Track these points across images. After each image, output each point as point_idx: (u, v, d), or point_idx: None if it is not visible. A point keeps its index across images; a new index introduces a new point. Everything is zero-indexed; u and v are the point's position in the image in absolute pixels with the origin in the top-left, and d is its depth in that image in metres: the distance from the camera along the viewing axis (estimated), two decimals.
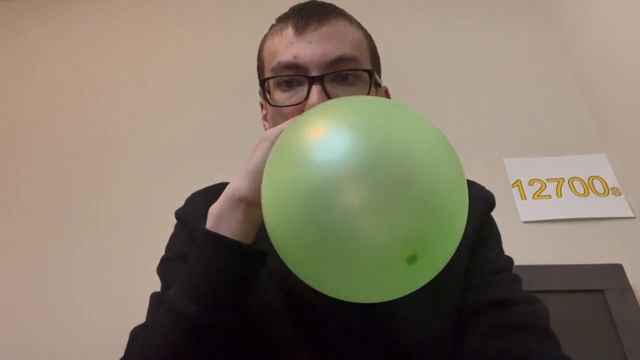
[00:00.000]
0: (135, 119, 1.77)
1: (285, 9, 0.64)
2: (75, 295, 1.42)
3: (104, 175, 1.65)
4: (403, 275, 0.47)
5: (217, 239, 0.51)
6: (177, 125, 1.74)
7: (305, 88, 0.58)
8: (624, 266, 1.28)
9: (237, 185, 0.54)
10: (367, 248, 0.44)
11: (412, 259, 0.44)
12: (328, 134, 0.46)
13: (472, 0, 1.91)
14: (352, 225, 0.43)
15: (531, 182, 1.49)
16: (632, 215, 1.39)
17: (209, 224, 0.53)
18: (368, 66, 0.62)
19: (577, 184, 1.47)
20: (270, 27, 0.66)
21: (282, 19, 0.64)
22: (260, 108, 0.68)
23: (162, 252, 0.67)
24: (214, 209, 0.54)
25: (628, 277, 1.26)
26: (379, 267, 0.45)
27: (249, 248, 0.53)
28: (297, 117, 0.54)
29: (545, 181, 1.49)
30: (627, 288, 1.25)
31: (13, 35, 2.04)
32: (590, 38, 1.62)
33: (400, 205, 0.43)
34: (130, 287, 1.23)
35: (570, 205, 1.43)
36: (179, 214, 0.69)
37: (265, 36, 0.67)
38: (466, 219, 0.49)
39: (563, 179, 1.49)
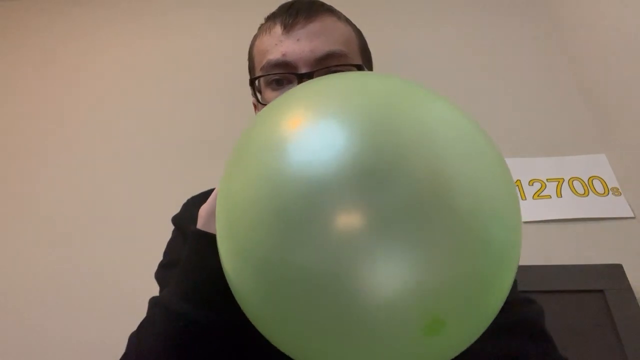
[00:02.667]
0: (135, 119, 1.77)
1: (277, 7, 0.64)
2: (75, 299, 1.42)
3: (104, 176, 1.65)
4: (417, 351, 0.31)
5: (206, 238, 0.51)
6: (177, 126, 1.74)
7: (295, 86, 0.57)
8: (624, 266, 1.28)
9: None
10: (364, 306, 0.29)
11: (434, 328, 0.29)
12: (308, 125, 0.32)
13: (471, 0, 1.91)
14: (342, 269, 0.28)
15: (531, 182, 1.49)
16: (632, 215, 1.39)
17: (199, 224, 0.52)
18: (358, 61, 0.62)
19: (577, 184, 1.47)
20: (260, 26, 0.66)
21: (271, 18, 0.64)
22: (254, 108, 0.68)
23: (161, 257, 0.67)
24: (203, 210, 0.53)
25: (628, 277, 1.26)
26: (381, 337, 0.29)
27: None
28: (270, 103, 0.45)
29: (545, 181, 1.49)
30: (627, 288, 1.25)
31: (13, 35, 2.04)
32: (591, 38, 1.62)
33: (420, 237, 0.28)
34: (130, 293, 1.24)
35: (570, 206, 1.43)
36: (175, 220, 0.69)
37: (255, 35, 0.67)
38: (519, 258, 0.35)
39: (563, 179, 1.49)
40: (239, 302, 0.37)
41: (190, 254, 0.51)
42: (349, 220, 0.29)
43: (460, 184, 0.30)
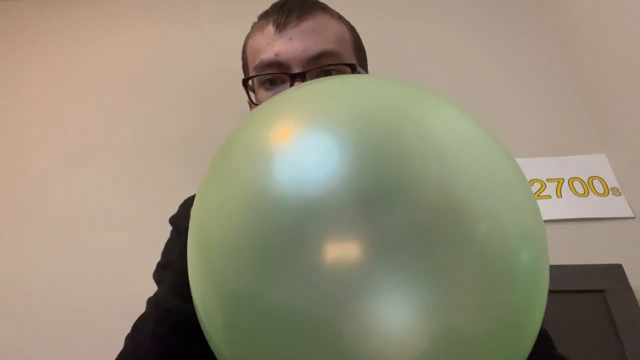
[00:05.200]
0: (135, 119, 1.77)
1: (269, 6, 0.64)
2: (75, 299, 1.41)
3: (104, 176, 1.65)
4: None
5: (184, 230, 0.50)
6: (176, 126, 1.74)
7: (288, 85, 0.57)
8: (624, 266, 1.28)
9: None
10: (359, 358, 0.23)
11: None
12: (298, 137, 0.28)
13: (471, 1, 1.91)
14: (334, 311, 0.23)
15: (531, 182, 1.49)
16: (632, 215, 1.39)
17: None
18: (352, 60, 0.61)
19: (577, 184, 1.47)
20: (252, 25, 0.66)
21: (263, 16, 0.63)
22: (249, 108, 0.68)
23: (160, 258, 0.67)
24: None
25: (628, 277, 1.26)
26: None
27: None
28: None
29: (545, 181, 1.49)
30: (627, 288, 1.25)
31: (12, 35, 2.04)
32: (591, 38, 1.62)
33: (433, 272, 0.24)
34: (129, 293, 1.23)
35: (570, 206, 1.43)
36: (172, 220, 0.69)
37: (248, 34, 0.66)
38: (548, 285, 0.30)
39: (563, 179, 1.49)
40: (206, 337, 0.31)
41: (182, 250, 0.51)
42: (343, 251, 0.24)
43: (477, 203, 0.25)
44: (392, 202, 0.24)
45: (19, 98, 1.88)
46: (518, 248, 0.26)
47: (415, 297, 0.23)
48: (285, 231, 0.25)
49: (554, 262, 1.39)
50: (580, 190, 1.46)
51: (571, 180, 1.48)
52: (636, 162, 1.41)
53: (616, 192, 1.44)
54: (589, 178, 1.48)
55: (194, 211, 0.34)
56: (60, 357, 1.33)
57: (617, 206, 1.41)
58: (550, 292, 1.05)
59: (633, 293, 1.24)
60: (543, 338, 0.55)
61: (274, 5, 0.63)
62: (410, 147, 0.26)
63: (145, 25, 2.02)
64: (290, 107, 0.31)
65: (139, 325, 0.53)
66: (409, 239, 0.24)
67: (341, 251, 0.24)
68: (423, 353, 0.23)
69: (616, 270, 1.28)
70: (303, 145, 0.27)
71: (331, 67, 0.57)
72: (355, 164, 0.25)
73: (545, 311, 0.57)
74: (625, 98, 1.43)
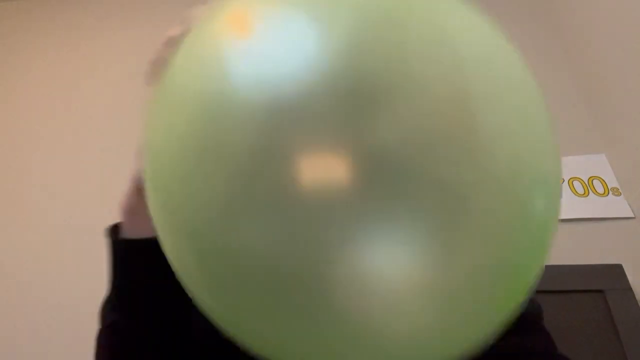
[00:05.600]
0: (136, 120, 1.77)
1: None
2: (73, 300, 1.41)
3: (104, 176, 1.65)
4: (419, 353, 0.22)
5: (123, 247, 0.46)
6: None
7: None
8: (624, 266, 1.28)
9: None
10: (348, 309, 0.20)
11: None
12: (261, 22, 0.21)
13: (470, 1, 1.91)
14: (314, 250, 0.19)
15: None
16: (632, 215, 1.39)
17: (123, 222, 0.46)
18: None
19: (577, 184, 1.47)
20: None
21: None
22: None
23: None
24: (122, 202, 0.46)
25: (628, 277, 1.26)
26: (373, 344, 0.21)
27: (134, 242, 0.44)
28: None
29: None
30: (627, 288, 1.25)
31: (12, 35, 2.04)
32: (591, 38, 1.61)
33: (439, 199, 0.19)
34: None
35: (570, 206, 1.43)
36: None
37: None
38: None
39: (563, 179, 1.49)
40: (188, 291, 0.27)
41: (109, 260, 0.47)
42: (324, 169, 0.18)
43: (495, 122, 0.20)
44: (390, 103, 0.19)
45: (18, 98, 1.88)
46: (535, 193, 0.22)
47: (415, 227, 0.19)
48: (247, 146, 0.19)
49: (554, 262, 1.39)
50: (580, 190, 1.46)
51: (571, 181, 1.48)
52: (636, 162, 1.41)
53: (616, 192, 1.44)
54: (589, 178, 1.48)
55: (146, 134, 0.27)
56: (60, 356, 1.33)
57: (617, 206, 1.41)
58: (551, 292, 1.05)
59: (633, 293, 1.24)
60: (543, 336, 0.55)
61: None
62: (416, 37, 0.20)
63: (146, 25, 2.02)
64: None
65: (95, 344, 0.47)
66: (412, 149, 0.18)
67: (321, 169, 0.18)
68: (415, 288, 0.20)
69: (616, 270, 1.28)
70: (267, 32, 0.20)
71: None
72: (340, 51, 0.19)
73: (546, 311, 0.57)
74: (626, 98, 1.43)
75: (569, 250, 1.34)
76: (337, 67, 0.19)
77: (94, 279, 1.44)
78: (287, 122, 0.19)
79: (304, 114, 0.19)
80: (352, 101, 0.19)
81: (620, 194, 1.44)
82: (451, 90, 0.20)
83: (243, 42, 0.21)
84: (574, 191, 1.46)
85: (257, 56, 0.20)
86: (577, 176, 1.49)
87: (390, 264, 0.19)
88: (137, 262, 0.44)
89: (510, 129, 0.21)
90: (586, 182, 1.47)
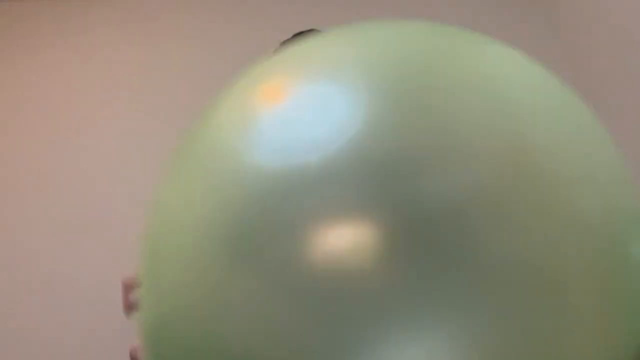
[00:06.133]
0: (134, 119, 1.77)
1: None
2: (72, 299, 1.41)
3: (103, 176, 1.65)
4: None
5: None
6: (177, 128, 1.74)
7: None
8: None
9: None
10: None
11: None
12: (286, 95, 0.19)
13: (470, 1, 1.91)
14: (327, 347, 0.15)
15: None
16: None
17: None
18: None
19: None
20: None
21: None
22: None
23: None
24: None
25: None
26: None
27: None
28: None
29: None
30: None
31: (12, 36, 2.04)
32: (591, 38, 1.61)
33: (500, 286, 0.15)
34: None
35: None
36: None
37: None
38: None
39: None
40: None
41: None
42: (344, 247, 0.15)
43: (566, 168, 0.16)
44: (433, 169, 0.15)
45: (18, 98, 1.88)
46: (632, 235, 0.17)
47: (469, 329, 0.14)
48: (256, 224, 0.16)
49: None
50: None
51: None
52: (636, 162, 1.41)
53: None
54: None
55: (152, 207, 0.25)
56: (59, 356, 1.33)
57: None
58: None
59: None
60: None
61: (295, 36, 0.61)
62: (459, 95, 0.17)
63: (146, 26, 2.02)
64: (278, 64, 0.22)
65: None
66: (453, 226, 0.14)
67: (340, 247, 0.15)
68: None
69: None
70: (292, 103, 0.18)
71: None
72: (379, 121, 0.16)
73: None
74: (625, 98, 1.43)
75: None
76: (370, 137, 0.16)
77: (94, 278, 1.44)
78: (298, 199, 0.16)
79: (317, 189, 0.16)
80: (383, 176, 0.15)
81: None
82: (507, 144, 0.16)
83: (263, 115, 0.19)
84: None
85: (285, 123, 0.18)
86: None
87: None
88: None
89: (583, 173, 0.17)
90: None
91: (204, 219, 0.17)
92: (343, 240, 0.15)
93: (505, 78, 0.19)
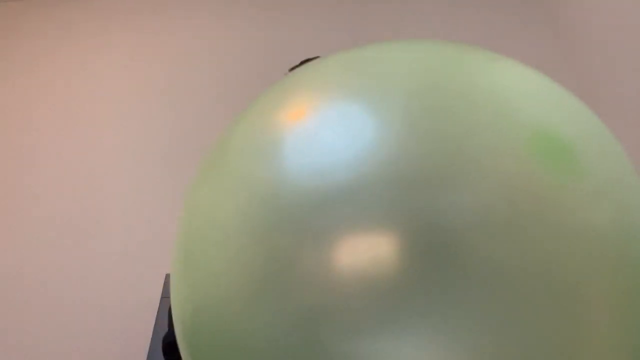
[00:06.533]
0: (134, 119, 1.77)
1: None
2: (70, 299, 1.41)
3: (103, 176, 1.65)
4: None
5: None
6: (176, 128, 1.74)
7: None
8: None
9: None
10: None
11: None
12: (315, 113, 0.20)
13: (470, 1, 1.91)
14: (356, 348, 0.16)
15: None
16: None
17: None
18: None
19: None
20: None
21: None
22: None
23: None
24: None
25: None
26: None
27: None
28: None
29: None
30: None
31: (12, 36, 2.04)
32: (591, 38, 1.61)
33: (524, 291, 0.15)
34: (124, 292, 1.23)
35: None
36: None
37: None
38: None
39: None
40: None
41: None
42: (370, 253, 0.16)
43: (588, 183, 0.17)
44: (453, 186, 0.16)
45: (18, 98, 1.88)
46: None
47: (488, 332, 0.14)
48: (292, 235, 0.17)
49: None
50: None
51: None
52: (636, 162, 1.41)
53: None
54: None
55: (185, 209, 0.26)
56: (58, 355, 1.33)
57: None
58: None
59: None
60: None
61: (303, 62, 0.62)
62: (476, 116, 0.17)
63: (146, 25, 2.02)
64: (301, 82, 0.22)
65: None
66: (465, 241, 0.15)
67: (367, 254, 0.16)
68: None
69: None
70: (321, 122, 0.19)
71: None
72: (399, 142, 0.17)
73: None
74: (625, 98, 1.43)
75: None
76: (394, 158, 0.17)
77: (95, 277, 1.44)
78: (329, 212, 0.17)
79: (349, 203, 0.16)
80: (407, 192, 0.16)
81: None
82: (518, 164, 0.16)
83: (293, 132, 0.19)
84: None
85: (306, 146, 0.18)
86: None
87: None
88: None
89: (596, 188, 0.17)
90: None
91: (246, 230, 0.19)
92: (366, 249, 0.16)
93: (517, 98, 0.19)
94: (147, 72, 1.88)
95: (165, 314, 1.09)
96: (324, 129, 0.19)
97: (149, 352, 1.08)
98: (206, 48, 1.91)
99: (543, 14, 1.85)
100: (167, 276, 1.18)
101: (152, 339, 1.09)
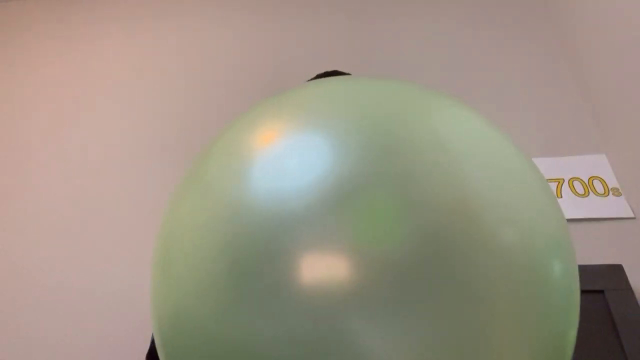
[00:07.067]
0: (133, 119, 1.77)
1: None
2: (69, 298, 1.42)
3: (102, 176, 1.65)
4: None
5: None
6: (174, 127, 1.74)
7: None
8: (624, 266, 1.28)
9: None
10: None
11: None
12: (282, 140, 0.23)
13: (471, 1, 1.91)
14: (315, 346, 0.19)
15: None
16: (633, 215, 1.38)
17: None
18: None
19: (577, 184, 1.47)
20: None
21: None
22: None
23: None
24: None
25: (628, 277, 1.26)
26: None
27: None
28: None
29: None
30: (627, 288, 1.24)
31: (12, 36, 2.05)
32: (591, 37, 1.61)
33: (447, 300, 0.20)
34: (124, 291, 1.23)
35: (570, 206, 1.43)
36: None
37: None
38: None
39: (563, 179, 1.49)
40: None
41: None
42: (328, 273, 0.19)
43: (498, 209, 0.21)
44: (390, 214, 0.19)
45: (18, 98, 1.89)
46: (550, 259, 0.21)
47: (424, 331, 0.18)
48: (258, 248, 0.20)
49: None
50: (580, 190, 1.46)
51: (571, 181, 1.48)
52: (636, 162, 1.41)
53: (616, 192, 1.44)
54: (589, 178, 1.48)
55: (163, 220, 0.28)
56: (58, 356, 1.33)
57: (617, 206, 1.41)
58: None
59: (633, 293, 1.24)
60: None
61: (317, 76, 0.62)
62: (413, 149, 0.21)
63: (146, 25, 2.02)
64: (278, 108, 0.26)
65: None
66: (416, 256, 0.18)
67: (324, 273, 0.19)
68: None
69: (616, 271, 1.28)
70: (286, 149, 0.22)
71: None
72: (348, 165, 0.21)
73: None
74: (625, 98, 1.43)
75: None
76: (343, 181, 0.20)
77: (94, 276, 1.44)
78: (288, 228, 0.20)
79: (304, 222, 0.20)
80: (352, 209, 0.20)
81: (620, 194, 1.43)
82: (455, 195, 0.21)
83: (263, 156, 0.22)
84: (574, 191, 1.46)
85: (272, 170, 0.22)
86: (577, 176, 1.49)
87: None
88: None
89: (515, 211, 0.22)
90: (586, 182, 1.47)
91: (212, 243, 0.22)
92: (323, 267, 0.19)
93: (454, 140, 0.23)
94: (147, 72, 1.88)
95: None
96: (289, 155, 0.22)
97: (149, 352, 1.08)
98: (206, 48, 1.91)
99: (545, 16, 1.85)
100: None
101: (152, 339, 1.09)
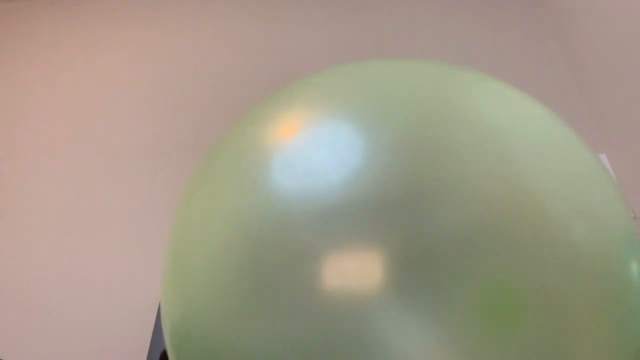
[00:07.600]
0: (133, 119, 1.77)
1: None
2: (71, 299, 1.41)
3: (102, 176, 1.65)
4: None
5: None
6: (174, 127, 1.74)
7: None
8: None
9: None
10: None
11: None
12: (305, 131, 0.20)
13: (471, 1, 1.91)
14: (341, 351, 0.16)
15: None
16: (633, 215, 1.38)
17: None
18: None
19: None
20: None
21: None
22: None
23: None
24: None
25: None
26: None
27: None
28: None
29: None
30: None
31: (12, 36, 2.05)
32: (591, 37, 1.61)
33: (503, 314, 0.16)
34: (124, 290, 1.23)
35: None
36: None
37: None
38: None
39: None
40: None
41: None
42: (354, 270, 0.16)
43: (560, 200, 0.17)
44: (436, 207, 0.17)
45: (18, 98, 1.89)
46: (627, 257, 0.18)
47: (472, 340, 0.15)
48: (278, 252, 0.17)
49: None
50: None
51: None
52: (636, 162, 1.40)
53: None
54: None
55: (173, 227, 0.26)
56: (58, 356, 1.33)
57: None
58: None
59: None
60: None
61: None
62: (459, 141, 0.18)
63: (146, 26, 2.02)
64: (300, 94, 0.22)
65: None
66: (455, 258, 0.15)
67: (351, 270, 0.16)
68: None
69: None
70: (311, 141, 0.19)
71: None
72: (387, 164, 0.17)
73: None
74: (625, 98, 1.43)
75: None
76: (381, 180, 0.17)
77: (94, 275, 1.44)
78: (318, 229, 0.17)
79: (347, 220, 0.17)
80: (395, 208, 0.17)
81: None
82: (505, 181, 0.17)
83: (282, 150, 0.19)
84: None
85: (293, 166, 0.18)
86: None
87: None
88: None
89: (581, 202, 0.18)
90: None
91: (229, 242, 0.19)
92: (351, 267, 0.16)
93: (504, 123, 0.20)
94: (148, 72, 1.88)
95: None
96: (314, 149, 0.19)
97: (149, 352, 1.08)
98: (207, 49, 1.91)
99: (545, 16, 1.85)
100: None
101: (152, 339, 1.09)
